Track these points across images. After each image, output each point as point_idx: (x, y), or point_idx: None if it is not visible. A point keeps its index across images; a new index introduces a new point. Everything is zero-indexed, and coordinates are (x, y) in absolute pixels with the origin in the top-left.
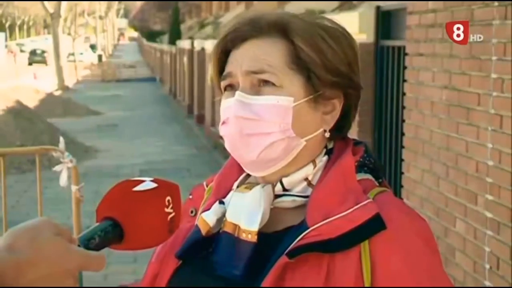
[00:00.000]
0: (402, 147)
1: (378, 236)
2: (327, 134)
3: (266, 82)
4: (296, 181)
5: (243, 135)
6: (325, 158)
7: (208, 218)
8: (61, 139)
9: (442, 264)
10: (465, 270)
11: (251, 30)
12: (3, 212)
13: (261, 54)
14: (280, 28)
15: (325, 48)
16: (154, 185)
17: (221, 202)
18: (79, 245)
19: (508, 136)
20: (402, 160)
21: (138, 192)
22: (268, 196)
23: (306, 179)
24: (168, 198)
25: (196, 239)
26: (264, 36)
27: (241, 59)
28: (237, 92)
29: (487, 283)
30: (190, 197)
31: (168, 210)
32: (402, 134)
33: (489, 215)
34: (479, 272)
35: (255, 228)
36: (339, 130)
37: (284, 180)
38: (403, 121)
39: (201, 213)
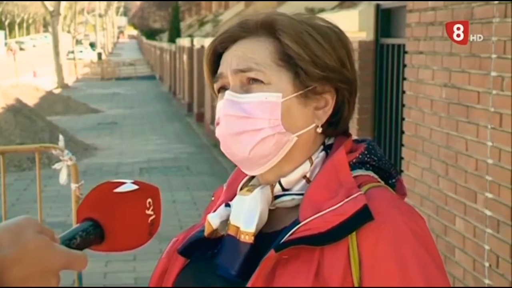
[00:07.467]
0: (402, 145)
1: (365, 228)
2: (319, 130)
3: (254, 80)
4: (294, 180)
5: (234, 133)
6: (322, 154)
7: (212, 220)
8: (61, 137)
9: (438, 262)
10: (464, 268)
11: (239, 31)
12: (3, 210)
13: (248, 53)
14: (266, 27)
15: (311, 43)
16: (135, 187)
17: (227, 205)
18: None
19: (507, 134)
20: (401, 158)
21: (119, 194)
22: (266, 197)
23: (304, 176)
24: (149, 200)
25: (197, 238)
26: (252, 35)
27: (230, 59)
28: (227, 92)
29: (487, 281)
30: (213, 198)
31: (149, 212)
32: (402, 132)
33: (488, 213)
34: (479, 270)
35: (251, 229)
36: (332, 125)
37: (283, 180)
38: (402, 119)
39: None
